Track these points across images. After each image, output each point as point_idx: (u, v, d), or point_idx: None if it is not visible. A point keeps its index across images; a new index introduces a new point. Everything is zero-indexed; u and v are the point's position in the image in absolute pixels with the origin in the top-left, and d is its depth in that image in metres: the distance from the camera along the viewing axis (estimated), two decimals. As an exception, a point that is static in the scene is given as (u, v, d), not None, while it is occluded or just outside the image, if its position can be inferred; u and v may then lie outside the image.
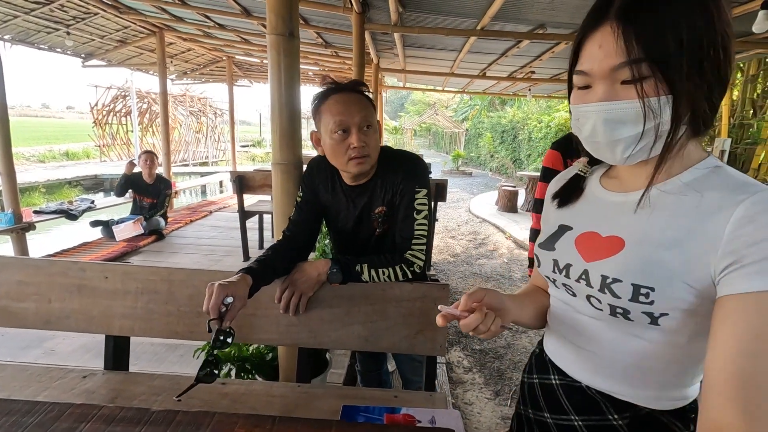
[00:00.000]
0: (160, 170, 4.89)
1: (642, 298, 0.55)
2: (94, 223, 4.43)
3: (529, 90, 7.72)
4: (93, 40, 5.89)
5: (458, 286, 4.42)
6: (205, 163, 17.21)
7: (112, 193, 4.72)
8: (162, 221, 4.68)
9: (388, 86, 11.22)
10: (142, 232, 4.37)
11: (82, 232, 4.95)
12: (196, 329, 1.32)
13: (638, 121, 0.53)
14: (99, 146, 14.79)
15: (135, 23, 5.49)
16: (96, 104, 13.82)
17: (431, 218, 1.31)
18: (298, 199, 1.36)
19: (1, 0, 4.34)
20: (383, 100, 12.38)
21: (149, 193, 4.61)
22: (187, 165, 16.21)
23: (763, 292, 0.46)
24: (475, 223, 7.52)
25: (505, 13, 3.13)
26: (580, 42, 0.57)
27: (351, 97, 1.19)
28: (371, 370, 1.81)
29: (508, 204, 8.26)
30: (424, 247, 1.28)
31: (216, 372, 0.99)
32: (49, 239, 6.02)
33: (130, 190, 4.63)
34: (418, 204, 1.27)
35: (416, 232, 1.26)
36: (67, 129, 36.96)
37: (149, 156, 4.45)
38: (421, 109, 29.69)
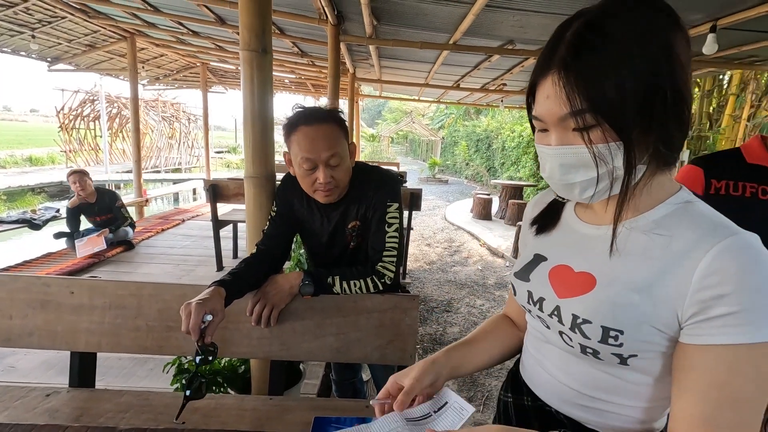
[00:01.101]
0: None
1: (611, 341, 0.55)
2: (58, 235, 4.26)
3: (502, 101, 7.94)
4: (60, 44, 5.71)
5: (433, 294, 4.47)
6: (178, 170, 16.83)
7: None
8: (129, 231, 4.54)
9: (365, 95, 11.30)
10: (104, 247, 4.15)
11: (46, 241, 4.75)
12: (165, 344, 1.31)
13: (591, 167, 0.53)
14: (65, 151, 14.24)
15: (105, 28, 5.36)
16: (62, 108, 13.33)
17: (402, 230, 1.35)
18: (272, 213, 1.38)
19: (-40, 1, 4.18)
20: (360, 108, 12.44)
21: (98, 211, 4.32)
22: (159, 171, 15.81)
23: (727, 345, 0.48)
24: (450, 231, 7.63)
25: (476, 29, 3.24)
26: (532, 87, 0.57)
27: (320, 130, 1.18)
28: (346, 379, 1.83)
29: (483, 212, 8.43)
30: (395, 259, 1.31)
31: (204, 387, 0.99)
32: (10, 250, 5.75)
33: (82, 217, 4.31)
34: (389, 217, 1.31)
35: (387, 245, 1.30)
36: (30, 133, 35.38)
37: (77, 177, 4.08)
38: (399, 116, 29.94)
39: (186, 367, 1.63)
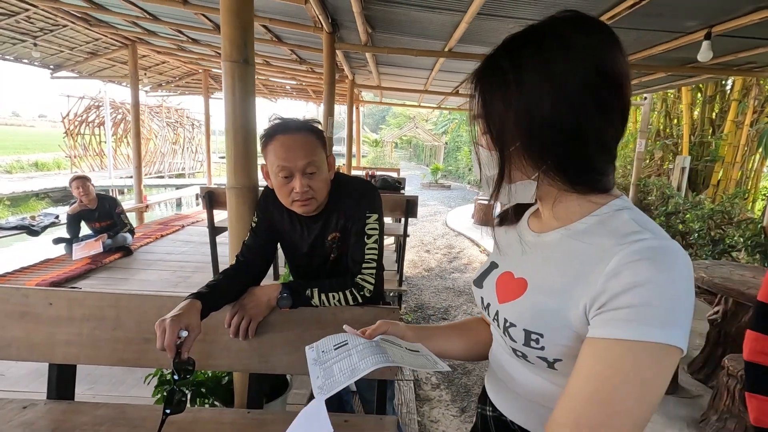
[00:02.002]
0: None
1: (533, 344, 0.57)
2: (57, 241, 4.29)
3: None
4: (62, 51, 5.78)
5: (430, 301, 4.45)
6: (181, 175, 16.94)
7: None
8: (128, 237, 4.56)
9: (365, 101, 11.33)
10: (101, 250, 4.18)
11: (45, 247, 4.78)
12: (144, 356, 1.30)
13: (478, 167, 0.62)
14: (70, 157, 14.38)
15: (106, 36, 5.42)
16: (68, 114, 13.48)
17: (382, 242, 1.34)
18: (253, 224, 1.37)
19: (-37, 10, 4.24)
20: (363, 114, 12.47)
21: (99, 217, 4.35)
22: (162, 177, 15.92)
23: (610, 339, 0.48)
24: (450, 237, 7.60)
25: (471, 37, 3.24)
26: None
27: (296, 139, 1.18)
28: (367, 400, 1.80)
29: (484, 217, 8.39)
30: (374, 271, 1.30)
31: (184, 400, 0.98)
32: (10, 255, 5.79)
33: (83, 223, 4.36)
34: (368, 229, 1.30)
35: (366, 257, 1.29)
36: (38, 138, 35.86)
37: (80, 182, 4.13)
38: (402, 122, 30.00)
39: (167, 378, 1.62)
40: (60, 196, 11.60)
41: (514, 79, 0.53)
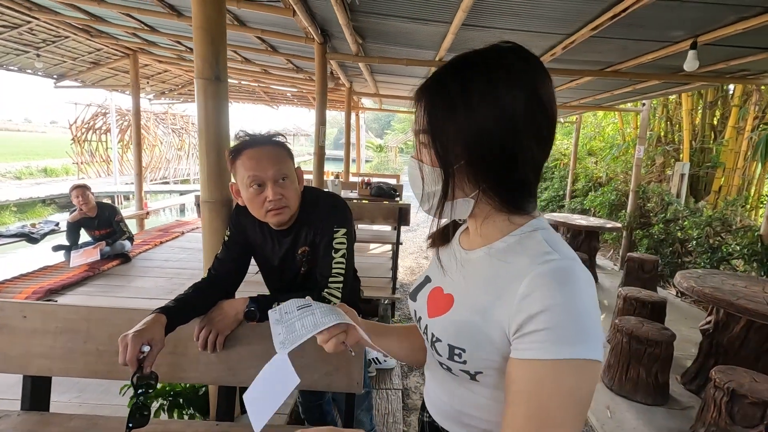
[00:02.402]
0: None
1: (456, 358, 0.61)
2: (56, 248, 4.35)
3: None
4: (65, 61, 5.90)
5: (425, 309, 4.44)
6: (186, 181, 17.10)
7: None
8: (127, 244, 4.61)
9: (365, 108, 11.38)
10: (98, 258, 4.24)
11: (45, 255, 4.86)
12: (114, 368, 1.32)
13: (419, 182, 0.63)
14: (77, 163, 14.60)
15: (108, 46, 5.52)
16: (75, 121, 13.71)
17: (351, 256, 1.35)
18: (226, 238, 1.39)
19: (-33, 23, 4.36)
20: (365, 120, 12.52)
21: (99, 225, 4.41)
22: (167, 182, 16.09)
23: (533, 360, 0.52)
24: (450, 243, 7.59)
25: (459, 46, 3.26)
26: None
27: (264, 150, 1.21)
28: (311, 402, 1.82)
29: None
30: (341, 285, 1.31)
31: (147, 414, 1.00)
32: (10, 262, 5.89)
33: (82, 230, 4.42)
34: (336, 243, 1.31)
35: (333, 271, 1.30)
36: (48, 144, 36.43)
37: (79, 191, 4.20)
38: (407, 127, 30.00)
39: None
40: (66, 202, 11.76)
41: (462, 101, 0.56)
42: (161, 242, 5.64)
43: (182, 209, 10.99)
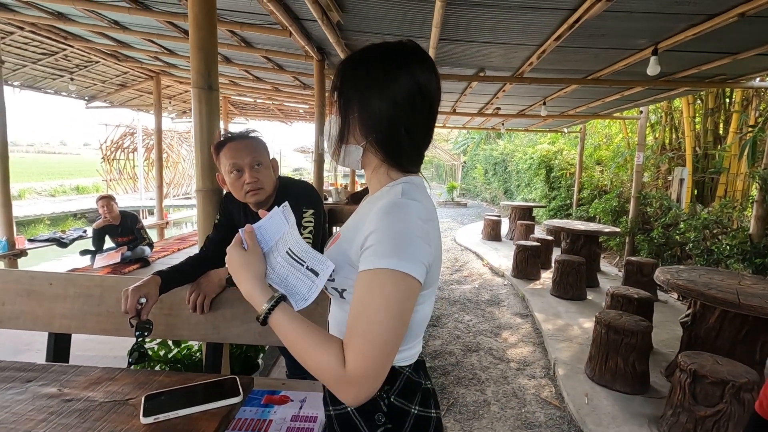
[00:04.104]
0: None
1: (330, 280, 0.76)
2: (84, 252, 4.75)
3: (503, 124, 8.14)
4: (95, 84, 6.45)
5: (423, 309, 4.61)
6: (207, 196, 17.72)
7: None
8: (147, 249, 4.98)
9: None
10: (119, 261, 4.59)
11: (73, 259, 5.27)
12: (120, 327, 1.58)
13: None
14: (106, 181, 15.46)
15: (133, 69, 6.03)
16: (105, 141, 14.57)
17: (319, 234, 1.59)
18: (216, 221, 1.66)
19: (11, 52, 4.89)
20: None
21: (122, 232, 4.81)
22: (189, 197, 16.77)
23: (364, 270, 0.67)
24: (456, 251, 7.74)
25: (444, 60, 3.52)
26: None
27: (242, 143, 1.48)
28: (296, 365, 2.04)
29: (492, 232, 8.50)
30: (308, 257, 1.55)
31: (144, 352, 1.27)
32: (40, 265, 6.36)
33: (107, 237, 4.80)
34: (304, 221, 1.56)
35: (301, 244, 1.55)
36: (81, 165, 38.33)
37: (104, 201, 4.57)
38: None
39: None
40: (94, 216, 12.36)
41: (364, 75, 0.74)
42: (179, 249, 6.02)
43: (202, 222, 11.45)
